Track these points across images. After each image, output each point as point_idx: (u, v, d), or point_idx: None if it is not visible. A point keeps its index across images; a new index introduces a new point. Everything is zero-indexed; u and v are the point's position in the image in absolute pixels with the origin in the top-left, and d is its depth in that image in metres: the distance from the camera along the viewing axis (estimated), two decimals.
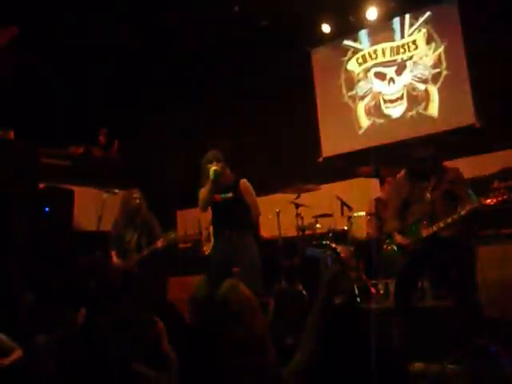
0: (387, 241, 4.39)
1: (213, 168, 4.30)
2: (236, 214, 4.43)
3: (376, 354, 1.94)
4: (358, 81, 7.36)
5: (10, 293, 4.89)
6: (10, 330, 3.87)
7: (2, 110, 6.00)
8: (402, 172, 4.21)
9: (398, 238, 4.02)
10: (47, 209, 6.07)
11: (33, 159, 6.23)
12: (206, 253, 6.04)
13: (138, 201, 5.32)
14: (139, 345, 2.73)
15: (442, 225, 3.78)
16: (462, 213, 3.68)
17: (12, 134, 6.13)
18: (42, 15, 6.34)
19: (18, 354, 3.99)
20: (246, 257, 4.37)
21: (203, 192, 4.48)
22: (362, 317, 2.03)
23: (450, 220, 3.73)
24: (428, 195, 3.93)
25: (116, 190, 5.65)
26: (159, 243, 5.14)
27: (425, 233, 3.85)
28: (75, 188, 6.49)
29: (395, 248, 4.05)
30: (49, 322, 4.09)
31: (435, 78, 6.66)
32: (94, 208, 5.77)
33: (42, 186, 6.23)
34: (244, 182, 4.52)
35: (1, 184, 5.52)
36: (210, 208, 4.77)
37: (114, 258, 5.30)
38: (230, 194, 4.44)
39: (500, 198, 3.67)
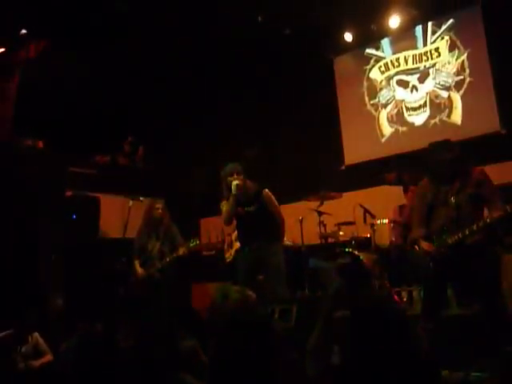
0: (415, 247, 4.36)
1: (235, 182, 4.32)
2: (261, 226, 4.47)
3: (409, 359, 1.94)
4: (381, 89, 7.37)
5: (41, 296, 5.01)
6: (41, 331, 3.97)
7: (32, 120, 6.17)
8: (426, 178, 4.19)
9: (424, 244, 3.97)
10: (74, 216, 6.20)
11: (61, 168, 6.40)
12: (229, 260, 6.08)
13: (160, 211, 5.42)
14: (175, 354, 2.75)
15: (467, 232, 3.73)
16: (488, 220, 3.63)
17: (41, 144, 6.30)
18: (69, 26, 6.51)
19: (48, 358, 4.10)
20: (272, 265, 4.42)
21: (225, 206, 4.49)
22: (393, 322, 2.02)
23: (475, 227, 3.68)
24: (453, 199, 3.84)
25: (141, 198, 5.76)
26: (181, 251, 5.22)
27: (450, 240, 3.82)
28: (101, 196, 6.62)
29: (422, 254, 4.01)
30: (75, 326, 4.17)
31: (458, 85, 6.63)
32: (119, 215, 5.89)
33: (69, 193, 6.38)
34: (266, 192, 4.55)
35: (30, 191, 5.67)
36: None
37: (137, 267, 5.37)
38: (253, 208, 4.47)
39: None
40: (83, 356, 2.95)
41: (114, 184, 7.13)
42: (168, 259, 5.24)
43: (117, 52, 7.11)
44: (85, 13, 6.29)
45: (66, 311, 5.10)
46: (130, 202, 5.71)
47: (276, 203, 4.58)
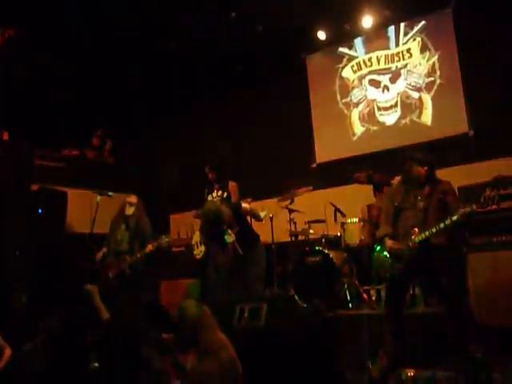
0: (377, 247, 4.42)
1: (230, 239, 4.41)
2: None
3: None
4: (353, 88, 7.41)
5: (4, 293, 4.87)
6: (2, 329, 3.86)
7: None
8: (396, 179, 4.26)
9: (389, 242, 4.04)
10: (40, 210, 6.05)
11: (27, 161, 6.23)
12: (198, 257, 6.02)
13: (133, 207, 5.40)
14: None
15: (433, 231, 3.81)
16: (454, 218, 3.73)
17: (7, 135, 6.13)
18: (39, 14, 6.33)
19: (8, 353, 3.98)
20: (254, 266, 4.48)
21: (223, 259, 4.61)
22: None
23: (441, 225, 3.77)
24: (421, 203, 3.97)
25: (110, 193, 5.66)
26: (151, 246, 5.19)
27: (416, 239, 3.89)
28: (68, 190, 6.48)
29: (387, 254, 4.07)
30: (39, 323, 4.08)
31: (429, 87, 6.72)
32: (87, 210, 5.77)
33: (35, 187, 6.22)
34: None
35: None
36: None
37: (99, 253, 5.38)
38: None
39: (491, 206, 3.72)
40: (47, 355, 2.90)
41: (82, 178, 6.99)
42: (139, 255, 5.20)
43: (88, 43, 6.95)
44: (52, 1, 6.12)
45: (28, 308, 4.98)
46: (98, 197, 5.60)
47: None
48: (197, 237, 5.96)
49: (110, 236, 5.46)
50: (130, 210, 5.42)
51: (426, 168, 4.01)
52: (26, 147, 6.23)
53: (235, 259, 4.51)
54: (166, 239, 5.27)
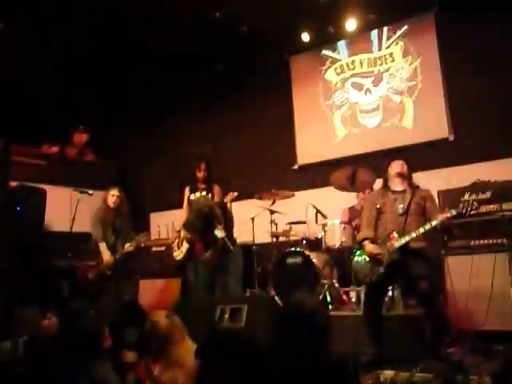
0: (357, 250, 4.45)
1: (221, 234, 4.36)
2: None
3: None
4: (336, 90, 7.44)
5: None
6: None
7: None
8: (377, 182, 4.32)
9: (369, 247, 4.08)
10: (18, 208, 5.94)
11: (4, 157, 6.11)
12: (178, 258, 5.98)
13: (115, 198, 5.38)
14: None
15: (413, 235, 3.87)
16: (433, 223, 3.79)
17: None
18: (19, 8, 6.22)
19: None
20: (234, 264, 4.48)
21: (211, 255, 4.48)
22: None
23: (421, 230, 3.84)
24: (400, 207, 4.04)
25: (90, 191, 5.61)
26: (129, 246, 5.18)
27: (396, 243, 3.94)
28: (48, 187, 6.38)
29: (366, 258, 4.10)
30: (16, 323, 4.01)
31: (411, 91, 6.79)
32: (66, 208, 5.70)
33: (13, 184, 6.11)
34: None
35: None
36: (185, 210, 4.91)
37: (106, 253, 5.32)
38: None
39: (469, 211, 3.79)
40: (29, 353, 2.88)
41: (61, 176, 6.89)
42: (118, 256, 5.18)
43: (69, 37, 6.84)
44: None
45: (5, 307, 4.88)
46: (78, 195, 5.55)
47: None
48: (175, 238, 5.92)
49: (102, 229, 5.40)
50: (112, 202, 5.39)
51: (404, 178, 4.13)
52: (3, 143, 6.11)
53: (217, 259, 4.51)
54: (144, 237, 5.27)
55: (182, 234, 5.36)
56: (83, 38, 6.84)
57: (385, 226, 4.10)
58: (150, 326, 3.11)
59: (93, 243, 5.47)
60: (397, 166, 4.20)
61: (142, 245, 5.42)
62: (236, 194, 5.14)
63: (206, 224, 4.50)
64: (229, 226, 5.10)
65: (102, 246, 5.38)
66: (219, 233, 4.48)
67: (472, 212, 3.78)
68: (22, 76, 6.97)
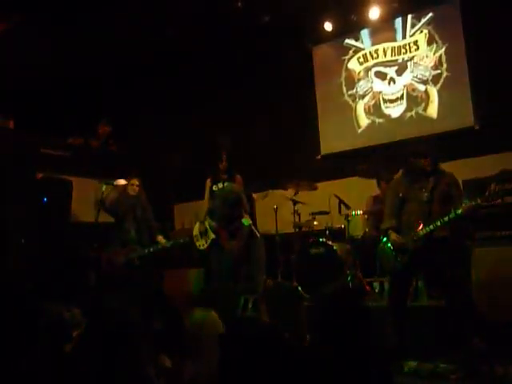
0: (383, 239, 4.43)
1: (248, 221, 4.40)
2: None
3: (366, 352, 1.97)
4: (359, 80, 7.38)
5: (7, 280, 4.89)
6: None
7: (2, 99, 6.00)
8: (400, 171, 4.26)
9: (394, 236, 4.05)
10: (45, 199, 6.07)
11: (32, 149, 6.23)
12: (202, 248, 6.03)
13: (136, 187, 5.41)
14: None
15: (438, 224, 3.82)
16: (458, 212, 3.74)
17: (12, 123, 6.13)
18: (44, 3, 6.31)
19: None
20: (257, 256, 4.50)
21: (237, 243, 4.54)
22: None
23: (446, 219, 3.78)
24: (425, 195, 3.97)
25: (115, 182, 5.67)
26: (166, 243, 5.20)
27: (421, 232, 3.90)
28: (73, 179, 6.48)
29: (391, 246, 4.07)
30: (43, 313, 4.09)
31: (435, 80, 6.68)
32: (92, 199, 5.78)
33: (40, 176, 6.24)
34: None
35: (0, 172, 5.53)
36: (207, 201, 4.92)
37: (115, 248, 5.35)
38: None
39: (496, 201, 3.72)
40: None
41: (87, 167, 6.99)
42: (152, 249, 5.20)
43: (95, 32, 6.92)
44: None
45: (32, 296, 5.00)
46: (104, 187, 5.61)
47: None
48: (197, 229, 5.95)
49: (116, 224, 5.45)
50: (133, 191, 5.43)
51: (428, 160, 4.00)
52: (30, 136, 6.23)
53: (243, 247, 4.52)
54: (182, 240, 5.29)
55: (207, 223, 5.40)
56: (108, 28, 6.90)
57: (409, 214, 4.04)
58: (196, 326, 2.83)
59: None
60: (419, 151, 4.11)
61: (179, 245, 5.43)
62: (268, 192, 5.16)
63: (233, 211, 4.51)
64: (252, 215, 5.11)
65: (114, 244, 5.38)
66: (246, 221, 4.50)
67: (497, 201, 3.71)
68: (46, 69, 7.07)
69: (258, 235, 4.47)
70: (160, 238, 5.27)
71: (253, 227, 4.49)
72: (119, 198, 5.47)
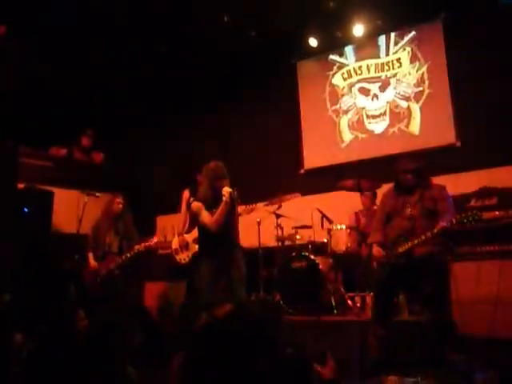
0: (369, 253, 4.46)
1: (228, 190, 4.31)
2: (231, 229, 4.48)
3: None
4: (343, 95, 7.46)
5: None
6: None
7: None
8: (386, 186, 4.30)
9: (375, 250, 4.09)
10: (26, 209, 5.98)
11: (12, 158, 6.15)
12: (184, 262, 5.98)
13: (121, 206, 5.42)
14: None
15: (416, 242, 3.85)
16: (435, 230, 3.77)
17: None
18: (27, 13, 6.28)
19: None
20: (238, 269, 4.44)
21: (220, 215, 4.35)
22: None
23: (423, 237, 3.82)
24: (408, 210, 4.00)
25: (97, 194, 5.65)
26: (140, 246, 5.21)
27: (400, 249, 3.93)
28: (55, 189, 6.42)
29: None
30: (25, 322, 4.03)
31: (418, 97, 6.79)
32: (74, 210, 5.74)
33: (21, 186, 6.15)
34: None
35: None
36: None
37: (91, 261, 5.34)
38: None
39: (471, 221, 3.72)
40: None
41: (69, 178, 6.94)
42: (128, 255, 5.21)
43: (78, 41, 6.91)
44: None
45: (12, 308, 4.91)
46: (86, 198, 5.59)
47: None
48: (176, 242, 5.93)
49: (95, 238, 5.44)
50: (117, 209, 5.44)
51: (413, 175, 4.02)
52: (11, 145, 6.16)
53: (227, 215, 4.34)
54: (155, 240, 5.30)
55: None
56: (93, 39, 6.90)
57: (393, 229, 4.08)
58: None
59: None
60: (404, 163, 4.12)
61: (153, 246, 5.44)
62: (254, 206, 5.11)
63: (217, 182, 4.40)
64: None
65: (90, 256, 5.43)
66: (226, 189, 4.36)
67: (474, 222, 3.72)
68: (30, 78, 7.02)
69: (238, 200, 4.33)
70: (137, 246, 5.27)
71: (234, 193, 4.31)
72: (102, 214, 5.48)
